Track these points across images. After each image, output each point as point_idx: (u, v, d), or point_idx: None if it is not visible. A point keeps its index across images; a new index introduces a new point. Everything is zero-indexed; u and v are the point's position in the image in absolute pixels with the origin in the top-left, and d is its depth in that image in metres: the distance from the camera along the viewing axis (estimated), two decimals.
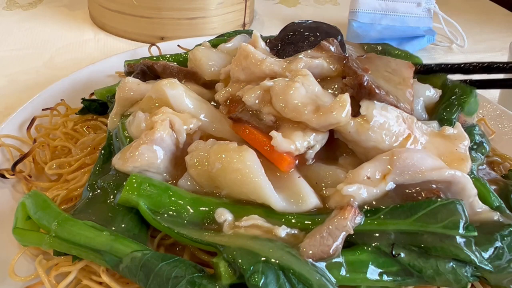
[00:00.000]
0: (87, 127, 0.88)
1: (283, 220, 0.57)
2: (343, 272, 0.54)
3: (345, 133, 0.61)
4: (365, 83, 0.62)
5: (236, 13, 1.37)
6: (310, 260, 0.53)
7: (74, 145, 0.81)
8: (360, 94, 0.62)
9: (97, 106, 0.88)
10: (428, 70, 0.84)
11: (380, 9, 1.37)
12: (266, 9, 1.63)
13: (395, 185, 0.58)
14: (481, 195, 0.62)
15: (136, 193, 0.57)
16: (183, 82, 0.75)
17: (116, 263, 0.54)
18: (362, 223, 0.56)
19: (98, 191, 0.63)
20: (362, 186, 0.57)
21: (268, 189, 0.57)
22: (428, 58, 1.34)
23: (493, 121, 0.93)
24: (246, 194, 0.58)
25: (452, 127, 0.66)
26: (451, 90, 0.79)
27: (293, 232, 0.56)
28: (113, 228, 0.57)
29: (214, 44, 0.88)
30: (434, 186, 0.58)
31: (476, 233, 0.55)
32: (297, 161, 0.61)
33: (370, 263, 0.55)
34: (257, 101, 0.64)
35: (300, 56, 0.68)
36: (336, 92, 0.65)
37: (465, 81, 0.83)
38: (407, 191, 0.58)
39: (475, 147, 0.73)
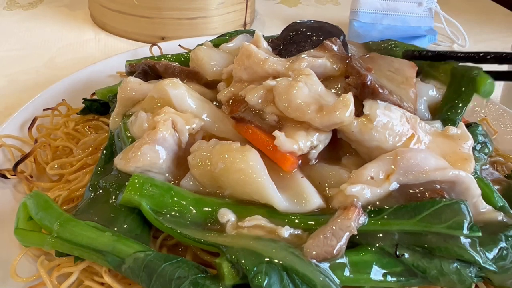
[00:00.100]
0: (88, 127, 0.87)
1: (286, 220, 0.57)
2: (346, 272, 0.54)
3: (349, 132, 0.61)
4: (369, 83, 0.61)
5: (237, 13, 1.37)
6: (314, 260, 0.53)
7: (76, 145, 0.81)
8: (364, 93, 0.62)
9: (98, 106, 0.88)
10: (439, 57, 0.83)
11: (381, 8, 1.37)
12: (267, 9, 1.62)
13: (398, 185, 0.58)
14: (484, 195, 0.62)
15: (138, 193, 0.57)
16: (185, 82, 0.74)
17: (118, 263, 0.54)
18: (365, 223, 0.56)
19: (100, 191, 0.63)
20: (366, 186, 0.57)
21: (271, 189, 0.57)
22: None
23: (495, 121, 0.93)
24: (249, 194, 0.58)
25: (456, 127, 0.66)
26: (462, 72, 0.77)
27: (296, 232, 0.56)
28: (115, 229, 0.57)
29: (216, 43, 0.88)
30: (438, 186, 0.58)
31: (480, 234, 0.55)
32: (300, 161, 0.61)
33: (374, 263, 0.55)
34: (260, 101, 0.63)
35: (302, 55, 0.68)
36: (339, 92, 0.64)
37: None
38: (411, 191, 0.58)
39: (478, 147, 0.73)
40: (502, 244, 0.57)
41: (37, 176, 0.77)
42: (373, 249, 0.55)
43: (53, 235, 0.55)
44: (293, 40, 0.75)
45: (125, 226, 0.58)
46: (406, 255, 0.55)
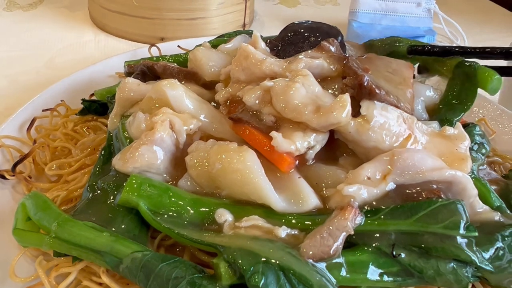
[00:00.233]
0: (87, 128, 0.87)
1: (283, 220, 0.57)
2: (343, 272, 0.54)
3: (346, 133, 0.61)
4: (366, 83, 0.62)
5: (236, 13, 1.37)
6: (311, 260, 0.53)
7: (74, 145, 0.81)
8: (361, 94, 0.62)
9: (97, 106, 0.88)
10: (444, 52, 0.82)
11: (380, 9, 1.37)
12: (266, 9, 1.63)
13: (395, 186, 0.58)
14: (481, 195, 0.62)
15: (136, 193, 0.57)
16: (183, 82, 0.75)
17: (116, 264, 0.54)
18: (362, 223, 0.56)
19: (98, 191, 0.63)
20: (363, 186, 0.57)
21: (269, 190, 0.57)
22: None
23: (493, 121, 0.93)
24: (246, 194, 0.58)
25: (453, 127, 0.66)
26: (466, 68, 0.77)
27: (293, 232, 0.56)
28: (113, 229, 0.57)
29: (214, 44, 0.88)
30: (434, 186, 0.58)
31: (476, 234, 0.55)
32: (297, 162, 0.61)
33: (371, 263, 0.55)
34: (257, 102, 0.64)
35: (300, 56, 0.68)
36: (337, 93, 0.65)
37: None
38: (407, 191, 0.58)
39: (475, 147, 0.73)
40: (499, 244, 0.57)
41: (36, 176, 0.77)
42: (370, 249, 0.55)
43: (51, 235, 0.55)
44: (291, 41, 0.75)
45: (123, 226, 0.58)
46: (403, 255, 0.55)
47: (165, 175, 0.63)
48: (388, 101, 0.63)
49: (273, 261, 0.51)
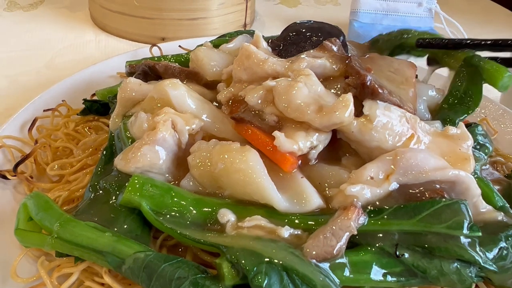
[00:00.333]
0: (88, 128, 0.87)
1: (286, 220, 0.57)
2: (346, 272, 0.54)
3: (348, 133, 0.61)
4: (368, 83, 0.61)
5: (237, 13, 1.37)
6: (314, 260, 0.53)
7: (76, 146, 0.81)
8: (363, 94, 0.62)
9: (98, 106, 0.88)
10: (454, 45, 0.81)
11: (381, 9, 1.37)
12: (267, 9, 1.62)
13: (398, 185, 0.58)
14: (484, 195, 0.62)
15: (138, 193, 0.57)
16: (185, 82, 0.74)
17: (118, 264, 0.54)
18: (365, 223, 0.56)
19: (100, 192, 0.63)
20: (366, 186, 0.57)
21: (271, 190, 0.57)
22: None
23: (495, 121, 0.93)
24: (249, 194, 0.58)
25: (456, 127, 0.66)
26: (475, 63, 0.76)
27: (296, 232, 0.56)
28: (116, 229, 0.57)
29: (216, 44, 0.88)
30: (437, 186, 0.58)
31: (480, 233, 0.55)
32: (300, 161, 0.61)
33: (374, 263, 0.55)
34: (259, 101, 0.63)
35: (302, 56, 0.68)
36: (339, 92, 0.64)
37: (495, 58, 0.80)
38: (410, 191, 0.58)
39: (478, 147, 0.73)
40: (502, 244, 0.57)
41: (37, 176, 0.77)
42: (373, 249, 0.55)
43: (53, 235, 0.55)
44: (293, 41, 0.75)
45: (125, 226, 0.58)
46: (406, 255, 0.55)
47: (167, 175, 0.63)
48: (391, 101, 0.62)
49: (276, 261, 0.51)
